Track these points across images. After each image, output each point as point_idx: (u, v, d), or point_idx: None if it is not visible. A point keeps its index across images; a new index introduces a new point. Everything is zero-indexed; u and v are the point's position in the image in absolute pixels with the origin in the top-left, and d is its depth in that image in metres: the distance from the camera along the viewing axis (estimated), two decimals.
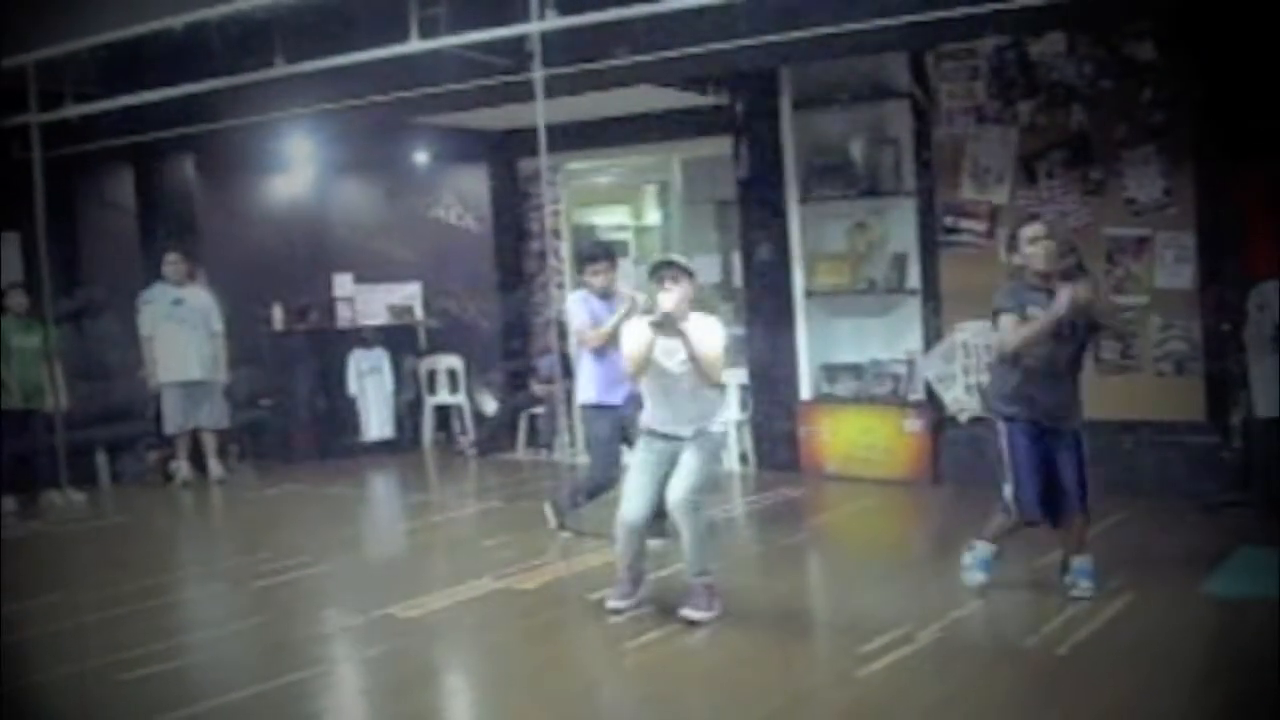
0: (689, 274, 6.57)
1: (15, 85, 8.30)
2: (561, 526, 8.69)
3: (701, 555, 6.64)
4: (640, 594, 6.89)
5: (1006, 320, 6.63)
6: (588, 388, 8.42)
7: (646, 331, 6.51)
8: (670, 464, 6.68)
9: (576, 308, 8.39)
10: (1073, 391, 6.80)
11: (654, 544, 8.06)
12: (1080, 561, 6.80)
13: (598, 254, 8.59)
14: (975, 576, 6.96)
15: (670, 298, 6.45)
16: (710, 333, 6.60)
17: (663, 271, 6.54)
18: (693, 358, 6.48)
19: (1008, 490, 6.77)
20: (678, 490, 6.59)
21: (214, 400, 11.86)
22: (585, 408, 8.55)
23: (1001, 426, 6.79)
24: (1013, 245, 6.85)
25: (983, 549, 6.96)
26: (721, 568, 7.06)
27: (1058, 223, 7.79)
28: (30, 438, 10.71)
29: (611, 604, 6.84)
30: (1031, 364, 6.63)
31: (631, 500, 6.73)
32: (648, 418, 6.79)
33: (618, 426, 8.29)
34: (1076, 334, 6.66)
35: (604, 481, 8.41)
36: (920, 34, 8.31)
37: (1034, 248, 6.66)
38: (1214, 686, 5.60)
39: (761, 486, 10.43)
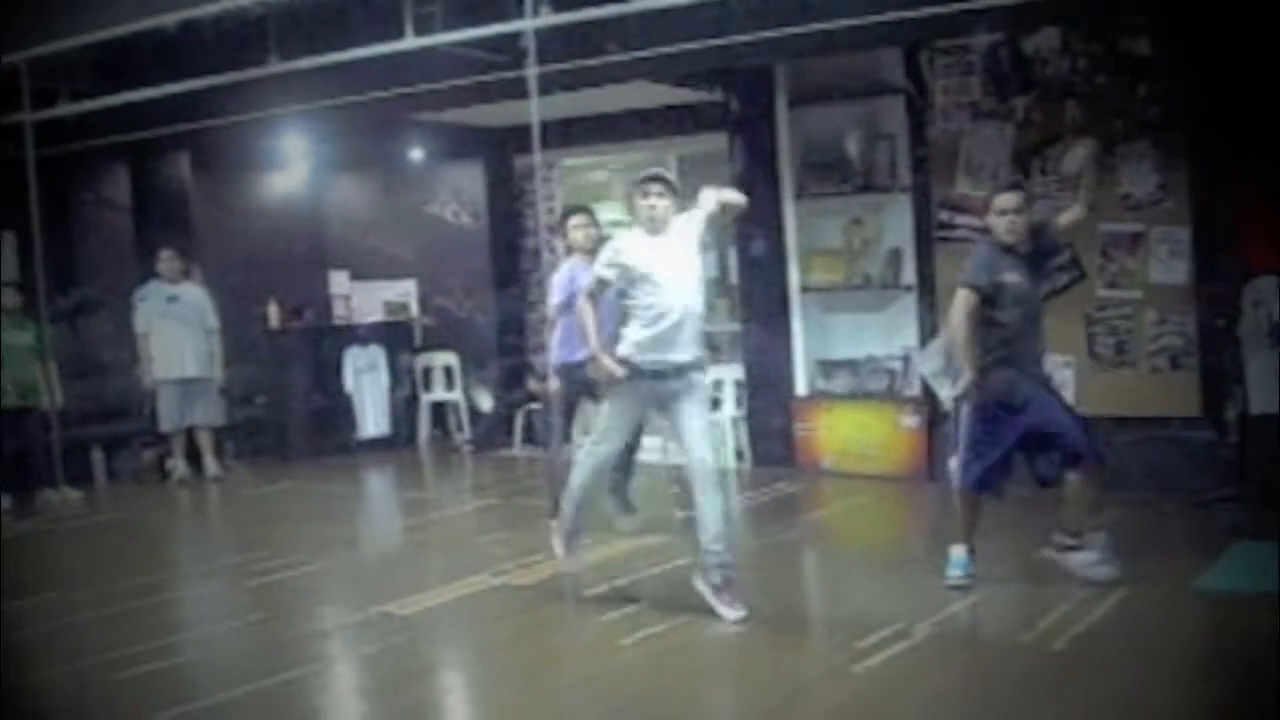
0: (673, 189, 6.64)
1: (9, 83, 8.29)
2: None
3: (730, 532, 6.53)
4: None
5: (962, 298, 6.68)
6: (556, 350, 8.44)
7: (634, 241, 6.59)
8: (648, 408, 6.61)
9: (556, 285, 8.41)
10: (1040, 353, 6.90)
11: (623, 522, 8.10)
12: (1096, 537, 6.77)
13: (576, 210, 8.68)
14: (956, 575, 6.91)
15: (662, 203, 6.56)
16: (696, 214, 6.63)
17: (648, 185, 6.59)
18: (719, 205, 6.56)
19: (952, 463, 6.82)
20: (706, 455, 6.47)
21: (209, 398, 11.86)
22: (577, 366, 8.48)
23: (965, 405, 6.79)
24: (988, 207, 6.88)
25: (953, 550, 6.95)
26: None
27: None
28: (26, 436, 10.71)
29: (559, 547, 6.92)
30: (1006, 325, 6.65)
31: (610, 437, 6.62)
32: (630, 349, 6.56)
33: (580, 387, 8.25)
34: (1037, 279, 6.77)
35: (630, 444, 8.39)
36: (915, 30, 8.32)
37: (1002, 220, 6.70)
38: (1209, 682, 5.62)
39: (757, 482, 10.43)
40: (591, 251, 8.14)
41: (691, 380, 6.61)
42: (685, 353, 6.56)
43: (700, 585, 6.58)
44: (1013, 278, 6.65)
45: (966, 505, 6.93)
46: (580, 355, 8.01)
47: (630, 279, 6.52)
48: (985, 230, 7.76)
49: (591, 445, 6.79)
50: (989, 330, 6.71)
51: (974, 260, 6.80)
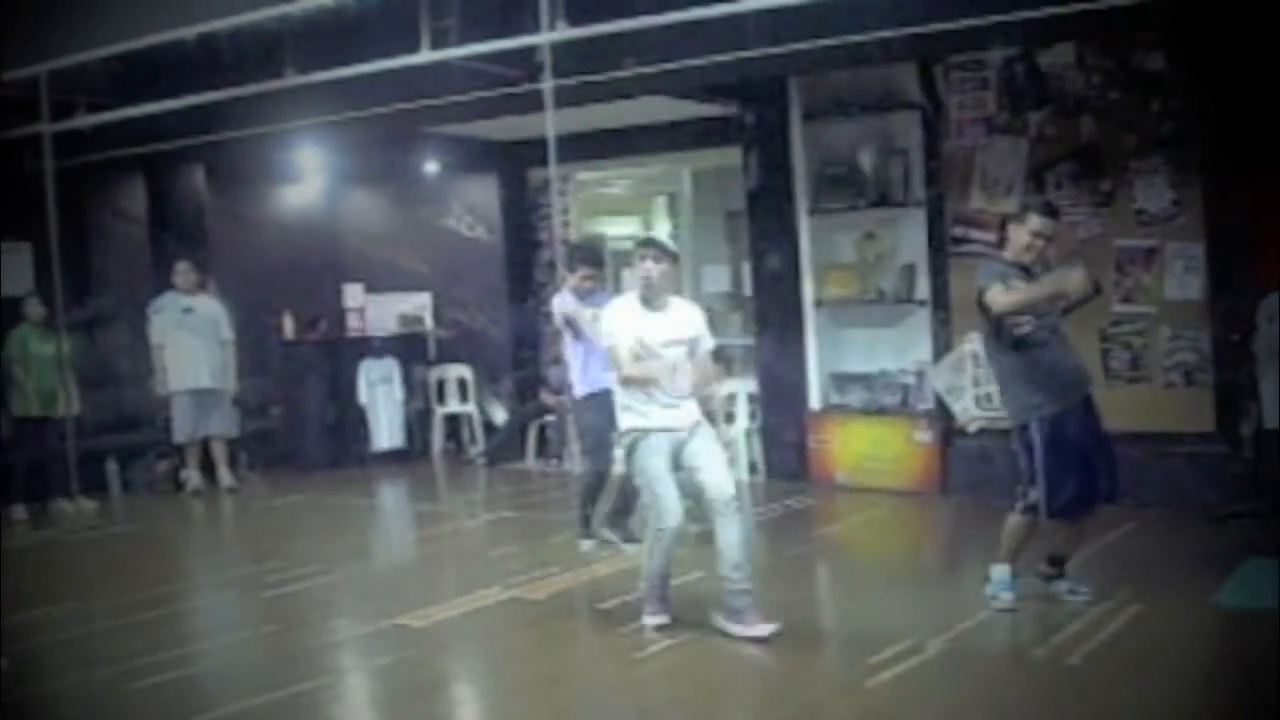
0: (672, 256, 6.59)
1: (27, 95, 8.34)
2: (586, 535, 8.68)
3: (749, 555, 6.51)
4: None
5: (996, 289, 6.51)
6: (587, 377, 8.46)
7: (630, 314, 6.55)
8: (674, 455, 6.55)
9: (557, 310, 8.60)
10: (1082, 364, 6.87)
11: (629, 548, 8.12)
12: (1074, 564, 6.83)
13: (588, 259, 8.70)
14: (1004, 599, 6.80)
15: (657, 269, 6.51)
16: (696, 314, 6.69)
17: (645, 250, 6.56)
18: (690, 352, 6.58)
19: (1034, 494, 6.60)
20: (725, 483, 6.46)
21: (224, 409, 11.89)
22: (578, 400, 8.62)
23: (1033, 425, 6.60)
24: (1017, 220, 6.77)
25: (999, 572, 6.82)
26: None
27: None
28: (44, 446, 10.75)
29: (653, 621, 6.68)
30: (1036, 337, 6.59)
31: (671, 504, 6.47)
32: (642, 419, 6.58)
33: (608, 414, 8.28)
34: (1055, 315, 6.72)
35: (602, 470, 8.54)
36: (929, 45, 8.34)
37: (1032, 240, 6.61)
38: (1222, 698, 5.60)
39: (770, 496, 10.43)
40: (588, 294, 8.37)
41: (694, 429, 6.65)
42: (685, 420, 6.61)
43: (720, 621, 6.50)
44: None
45: (1022, 529, 6.76)
46: (600, 386, 8.11)
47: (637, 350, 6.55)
48: (999, 245, 7.78)
49: (654, 534, 6.59)
50: (1019, 353, 6.65)
51: (984, 270, 6.76)
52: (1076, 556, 6.98)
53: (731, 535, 6.40)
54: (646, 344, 6.51)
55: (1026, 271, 6.63)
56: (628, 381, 6.58)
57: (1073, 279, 6.48)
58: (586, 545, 8.60)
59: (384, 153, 12.65)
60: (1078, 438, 6.60)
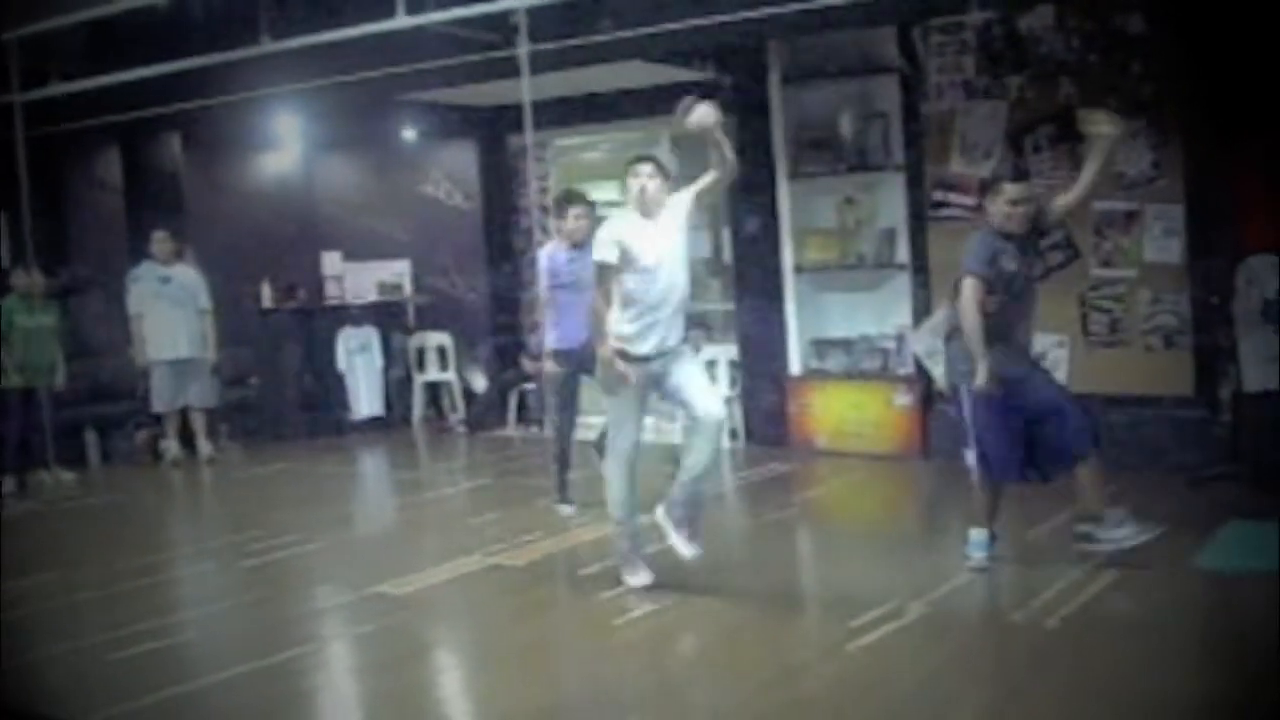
0: (665, 172, 6.59)
1: None
2: (564, 500, 8.69)
3: (709, 471, 6.50)
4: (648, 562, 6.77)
5: (970, 287, 6.57)
6: (550, 332, 8.52)
7: (623, 223, 6.54)
8: (647, 390, 6.54)
9: (541, 269, 8.57)
10: (1027, 340, 6.90)
11: (565, 510, 8.16)
12: (1115, 511, 6.73)
13: (581, 198, 8.60)
14: (977, 558, 6.88)
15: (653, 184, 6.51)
16: (685, 194, 6.63)
17: (639, 166, 6.55)
18: (720, 161, 6.53)
19: (969, 456, 6.76)
20: (713, 402, 6.49)
21: (203, 378, 11.84)
22: (556, 353, 8.55)
23: (964, 389, 6.73)
24: (991, 192, 6.78)
25: (976, 535, 6.89)
26: (713, 542, 7.07)
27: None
28: (30, 417, 10.69)
29: (636, 582, 6.69)
30: (997, 310, 6.62)
31: (624, 429, 6.54)
32: (623, 341, 6.50)
33: (572, 370, 8.34)
34: (1031, 263, 6.75)
35: (569, 430, 8.59)
36: (908, 8, 8.32)
37: (1004, 208, 6.63)
38: (1203, 660, 5.63)
39: (751, 461, 10.44)
40: (579, 245, 8.17)
41: (678, 351, 6.61)
42: (674, 337, 6.56)
43: (661, 517, 6.55)
44: (1010, 265, 6.62)
45: (988, 492, 6.86)
46: (572, 344, 8.12)
47: (625, 261, 6.45)
48: (978, 209, 7.79)
49: (613, 452, 6.67)
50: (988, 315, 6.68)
51: (974, 248, 6.73)
52: (1055, 519, 6.95)
53: (702, 451, 6.43)
54: (634, 256, 6.41)
55: (1013, 240, 6.64)
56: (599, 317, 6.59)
57: (980, 375, 6.53)
58: (566, 510, 8.60)
59: (362, 119, 12.57)
60: (1015, 404, 6.65)
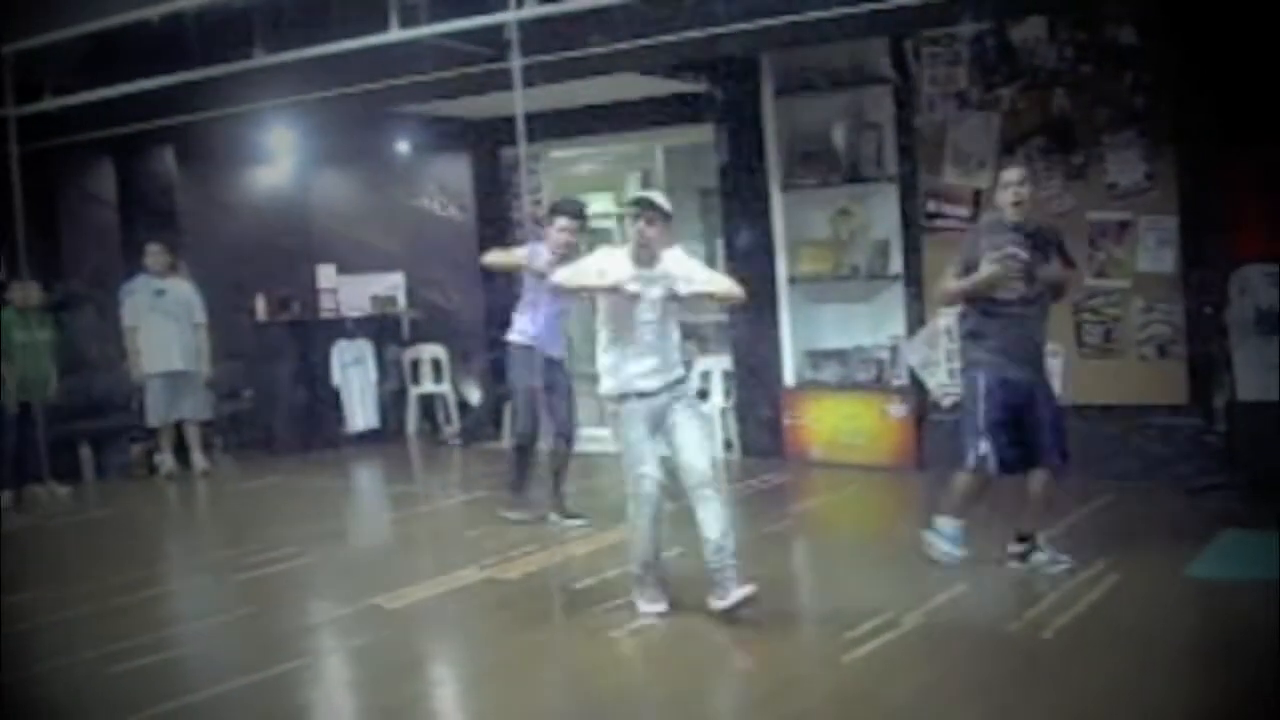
0: (666, 215, 6.39)
1: None
2: (514, 506, 8.81)
3: (728, 532, 6.36)
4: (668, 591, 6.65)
5: (948, 271, 6.89)
6: (521, 325, 8.56)
7: (614, 259, 6.46)
8: (654, 424, 6.45)
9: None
10: (1040, 341, 6.97)
11: (562, 524, 8.17)
12: (1046, 535, 6.92)
13: (570, 210, 8.56)
14: (949, 552, 7.02)
15: (652, 230, 6.37)
16: (695, 264, 6.57)
17: (640, 209, 6.39)
18: (708, 295, 6.58)
19: (983, 446, 6.83)
20: (701, 465, 6.36)
21: (197, 392, 11.83)
22: (511, 348, 8.62)
23: (975, 374, 6.89)
24: (998, 187, 6.95)
25: (947, 524, 7.03)
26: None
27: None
28: (26, 432, 10.67)
29: (650, 609, 6.55)
30: (1003, 308, 6.76)
31: (647, 464, 6.38)
32: (621, 383, 6.45)
33: (544, 373, 8.38)
34: (1037, 285, 6.80)
35: (529, 431, 8.59)
36: (901, 20, 8.31)
37: (1005, 194, 6.77)
38: (1197, 669, 5.63)
39: (745, 473, 10.43)
40: (562, 256, 8.15)
41: (682, 390, 6.61)
42: (671, 374, 6.53)
43: (713, 602, 6.40)
44: (1020, 252, 6.68)
45: (974, 485, 6.98)
46: (530, 341, 8.39)
47: (613, 301, 6.40)
48: (973, 219, 7.92)
49: (636, 499, 6.46)
50: (990, 309, 6.81)
51: (970, 236, 6.98)
52: (1052, 529, 7.01)
53: (709, 517, 6.33)
54: (622, 287, 6.33)
55: (1018, 229, 6.75)
56: (557, 289, 6.71)
57: (984, 272, 6.66)
58: (513, 516, 8.72)
59: (355, 133, 12.57)
60: (1017, 404, 6.80)
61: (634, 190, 14.38)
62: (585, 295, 6.67)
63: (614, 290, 6.34)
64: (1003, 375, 6.79)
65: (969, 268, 6.76)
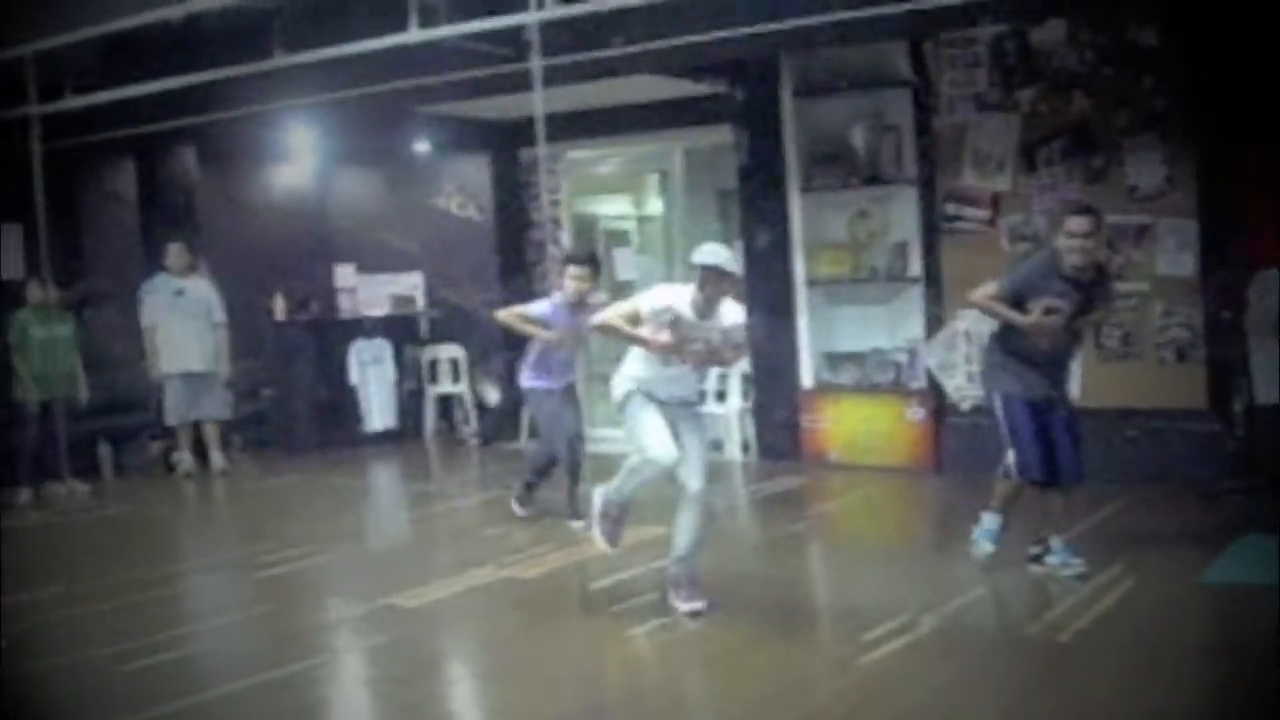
0: (732, 276, 6.52)
1: (15, 76, 8.31)
2: (526, 502, 9.06)
3: (700, 545, 6.59)
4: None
5: (994, 287, 6.86)
6: (536, 373, 8.75)
7: (672, 301, 6.51)
8: (669, 421, 6.57)
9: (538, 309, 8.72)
10: (1064, 373, 7.02)
11: (578, 525, 8.20)
12: (1063, 540, 6.95)
13: (584, 259, 8.73)
14: (984, 548, 7.11)
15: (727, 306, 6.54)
16: (738, 313, 6.62)
17: (707, 275, 6.41)
18: (728, 345, 6.62)
19: (1010, 456, 6.91)
20: (696, 479, 6.49)
21: (216, 391, 11.86)
22: (531, 390, 8.87)
23: (998, 397, 6.95)
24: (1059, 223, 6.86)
25: (989, 520, 7.11)
26: (725, 556, 7.09)
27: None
28: (46, 429, 10.72)
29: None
30: (1030, 345, 6.79)
31: (661, 437, 6.46)
32: (646, 385, 6.58)
33: (562, 403, 8.69)
34: (1084, 302, 6.81)
35: (555, 454, 8.80)
36: (921, 21, 8.31)
37: (1070, 243, 6.65)
38: (1214, 674, 5.60)
39: (763, 475, 10.43)
40: (577, 304, 8.41)
41: (690, 405, 6.76)
42: (691, 394, 6.77)
43: (672, 600, 6.60)
44: (1056, 303, 6.68)
45: (1014, 490, 7.06)
46: (542, 383, 8.70)
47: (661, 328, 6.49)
48: (990, 223, 7.87)
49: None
50: (1010, 347, 6.90)
51: (1023, 271, 6.92)
52: (1068, 533, 7.01)
53: (686, 525, 6.54)
54: (671, 337, 6.46)
55: (1070, 279, 6.70)
56: (603, 331, 6.74)
57: (1031, 320, 6.71)
58: (523, 513, 9.00)
59: (374, 133, 12.59)
60: (1036, 418, 6.86)
61: (651, 192, 14.46)
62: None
63: (661, 342, 6.46)
64: (1030, 394, 6.85)
65: (1015, 297, 6.75)
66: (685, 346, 6.47)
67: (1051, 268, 6.74)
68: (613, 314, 6.68)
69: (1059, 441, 6.87)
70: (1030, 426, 6.83)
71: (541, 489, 9.00)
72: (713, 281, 6.41)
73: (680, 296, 6.52)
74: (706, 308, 6.47)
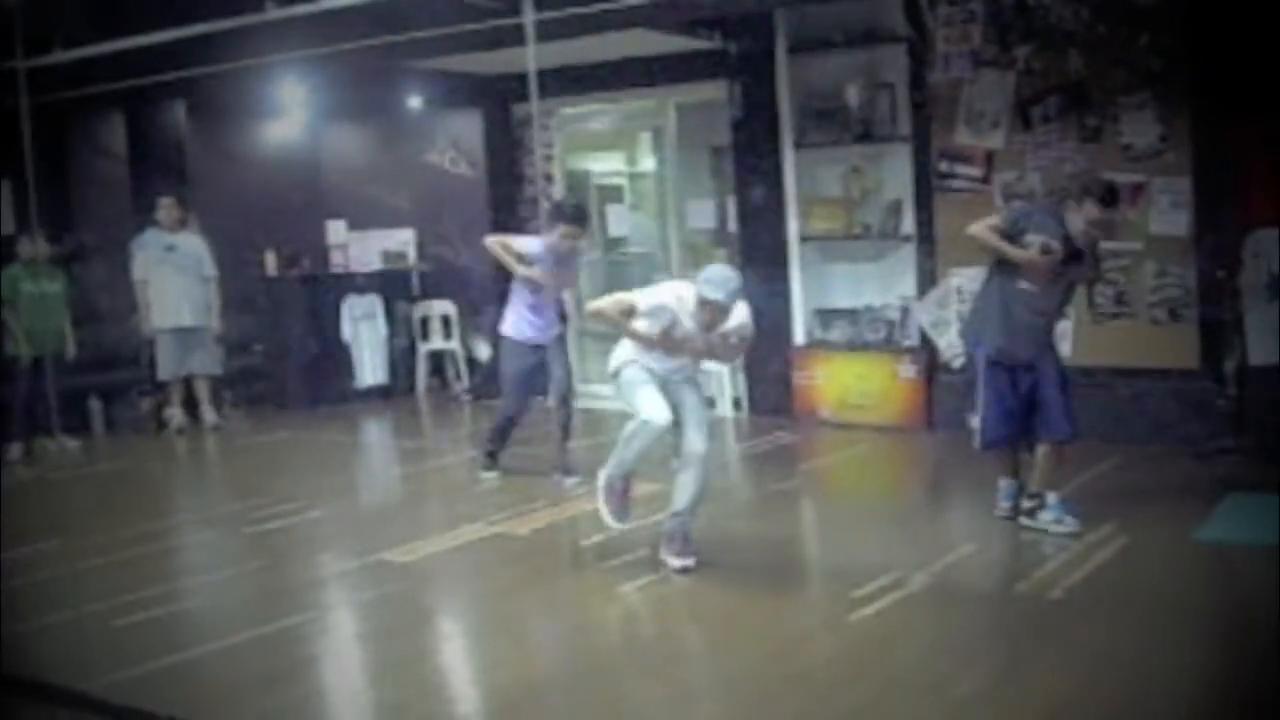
0: (731, 308, 6.44)
1: (3, 30, 8.23)
2: (489, 468, 9.09)
3: (700, 502, 6.62)
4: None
5: (992, 217, 7.03)
6: (516, 321, 8.69)
7: (674, 301, 6.50)
8: (661, 388, 6.62)
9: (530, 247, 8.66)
10: (1048, 336, 7.08)
11: (569, 481, 8.22)
12: (1058, 495, 6.98)
13: (565, 214, 8.62)
14: (1001, 505, 7.21)
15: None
16: (744, 312, 6.57)
17: (717, 305, 6.35)
18: (728, 346, 6.72)
19: (973, 420, 7.02)
20: (699, 439, 6.55)
21: (207, 346, 11.83)
22: (505, 340, 8.82)
23: (980, 356, 6.99)
24: (1073, 206, 6.84)
25: (1004, 484, 7.22)
26: (716, 513, 7.10)
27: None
28: (37, 385, 10.69)
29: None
30: (1021, 286, 6.83)
31: (655, 400, 6.51)
32: (643, 359, 6.63)
33: (533, 362, 8.67)
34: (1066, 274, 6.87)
35: (514, 415, 8.84)
36: None
37: (1078, 221, 6.74)
38: (1204, 632, 5.62)
39: (755, 432, 10.45)
40: (567, 253, 8.48)
41: (689, 376, 6.79)
42: (688, 366, 6.76)
43: (664, 553, 6.62)
44: (1053, 245, 6.73)
45: (995, 455, 7.17)
46: (520, 334, 8.65)
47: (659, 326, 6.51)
48: (984, 180, 7.89)
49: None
50: (1013, 293, 6.88)
51: (1028, 208, 7.02)
52: (1061, 490, 7.02)
53: (687, 483, 6.58)
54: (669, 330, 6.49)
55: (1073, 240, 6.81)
56: (594, 316, 6.88)
57: (1018, 254, 6.77)
58: (488, 476, 8.99)
59: (366, 88, 12.50)
60: (1016, 380, 6.93)
61: (644, 148, 14.41)
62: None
63: (652, 337, 6.52)
64: (1009, 353, 6.91)
65: (1014, 232, 6.79)
66: (683, 345, 6.52)
67: (1057, 218, 6.81)
68: (609, 302, 6.73)
69: (1046, 398, 6.89)
70: (998, 399, 6.92)
71: (538, 445, 8.99)
72: (712, 312, 6.40)
73: (683, 299, 6.50)
74: (709, 324, 6.49)
